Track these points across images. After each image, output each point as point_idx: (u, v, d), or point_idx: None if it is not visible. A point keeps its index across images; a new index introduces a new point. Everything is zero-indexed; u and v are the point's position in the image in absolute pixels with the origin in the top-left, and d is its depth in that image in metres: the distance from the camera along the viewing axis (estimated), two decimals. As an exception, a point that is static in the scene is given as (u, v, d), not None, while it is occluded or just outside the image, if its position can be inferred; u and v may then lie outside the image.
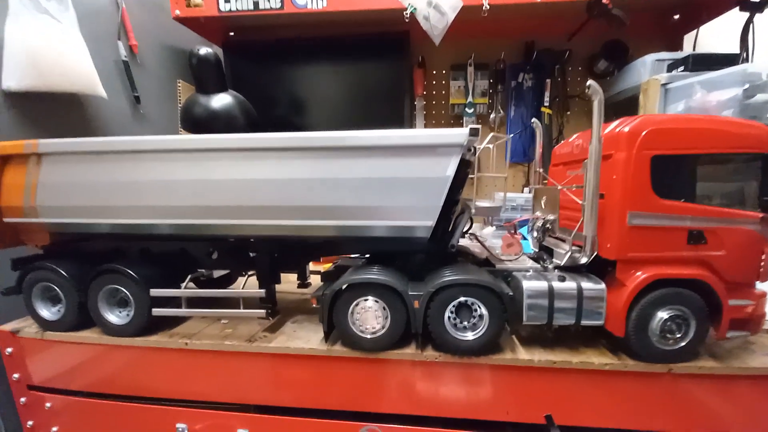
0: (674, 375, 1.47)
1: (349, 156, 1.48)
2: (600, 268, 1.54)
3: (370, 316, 1.54)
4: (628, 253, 1.42)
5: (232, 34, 3.22)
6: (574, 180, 1.63)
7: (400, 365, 1.58)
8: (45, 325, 1.83)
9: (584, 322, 1.49)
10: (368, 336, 1.55)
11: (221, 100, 2.48)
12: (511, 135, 1.79)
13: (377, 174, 1.47)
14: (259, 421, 1.71)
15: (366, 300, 1.54)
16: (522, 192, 3.25)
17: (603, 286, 1.47)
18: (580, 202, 1.47)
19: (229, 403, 1.73)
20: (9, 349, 1.88)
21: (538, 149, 2.01)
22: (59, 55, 2.20)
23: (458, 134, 1.41)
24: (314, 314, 1.89)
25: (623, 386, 1.50)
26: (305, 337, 1.69)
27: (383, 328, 1.54)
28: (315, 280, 2.06)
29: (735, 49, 2.44)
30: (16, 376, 1.91)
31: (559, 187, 1.61)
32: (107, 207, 1.68)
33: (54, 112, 2.26)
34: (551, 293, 1.47)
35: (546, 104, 3.09)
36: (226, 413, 1.73)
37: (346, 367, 1.60)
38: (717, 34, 2.90)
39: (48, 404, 1.91)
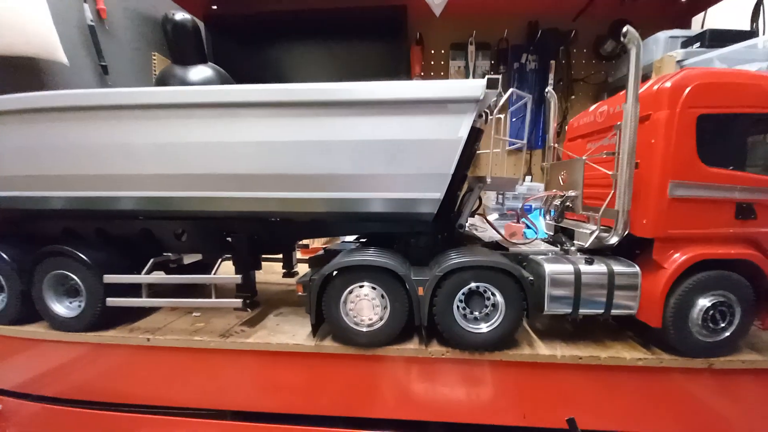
0: (715, 371, 1.31)
1: (344, 113, 1.27)
2: (627, 250, 1.36)
3: (366, 305, 1.35)
4: (668, 230, 1.24)
5: (214, 7, 3.01)
6: (600, 150, 1.44)
7: (401, 363, 1.40)
8: (-16, 317, 1.59)
9: (615, 312, 1.31)
10: (364, 329, 1.36)
11: (200, 73, 2.27)
12: (524, 105, 1.56)
13: (377, 135, 1.27)
14: (235, 429, 1.52)
15: (361, 286, 1.35)
16: (523, 181, 3.10)
17: (637, 269, 1.29)
18: (611, 173, 1.28)
19: (201, 408, 1.53)
20: (-51, 346, 1.66)
21: (553, 123, 1.83)
22: (12, 10, 1.96)
23: (473, 86, 1.21)
24: (301, 306, 1.69)
25: (657, 384, 1.34)
26: (290, 331, 1.50)
27: (381, 319, 1.36)
28: (303, 270, 1.83)
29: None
30: (-40, 375, 1.68)
31: (584, 158, 1.41)
32: (56, 177, 1.44)
33: (5, 77, 1.99)
34: (578, 278, 1.29)
35: (550, 87, 2.94)
36: (196, 421, 1.53)
37: (338, 366, 1.42)
38: (724, 16, 2.84)
39: (-4, 407, 1.70)
